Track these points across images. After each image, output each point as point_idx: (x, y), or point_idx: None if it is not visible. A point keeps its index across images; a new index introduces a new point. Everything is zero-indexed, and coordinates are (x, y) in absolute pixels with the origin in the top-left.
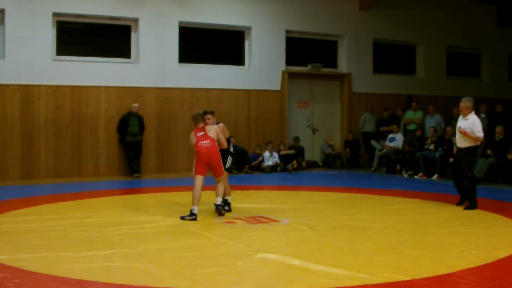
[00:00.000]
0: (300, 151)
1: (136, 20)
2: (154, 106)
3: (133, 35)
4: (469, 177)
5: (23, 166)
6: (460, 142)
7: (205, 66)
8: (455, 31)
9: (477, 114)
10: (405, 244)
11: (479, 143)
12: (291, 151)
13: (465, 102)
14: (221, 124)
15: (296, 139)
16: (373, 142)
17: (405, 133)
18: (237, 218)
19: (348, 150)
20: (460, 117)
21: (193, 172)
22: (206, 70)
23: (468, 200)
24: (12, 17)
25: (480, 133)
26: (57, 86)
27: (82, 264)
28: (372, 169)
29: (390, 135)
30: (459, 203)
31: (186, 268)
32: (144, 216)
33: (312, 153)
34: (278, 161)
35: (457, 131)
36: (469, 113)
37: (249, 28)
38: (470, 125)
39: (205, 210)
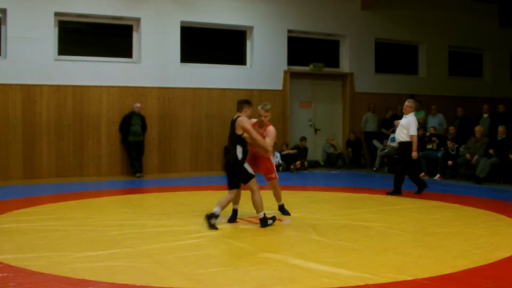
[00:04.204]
0: (304, 151)
1: (138, 20)
2: (156, 105)
3: (135, 34)
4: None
5: (25, 166)
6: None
7: (207, 65)
8: (457, 30)
9: (480, 114)
10: (407, 244)
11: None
12: (293, 151)
13: (409, 102)
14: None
15: (303, 139)
16: (375, 142)
17: None
18: (239, 218)
19: (350, 150)
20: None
21: (274, 176)
22: (208, 69)
23: (394, 187)
24: (14, 16)
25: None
26: (59, 86)
27: (84, 264)
28: (374, 169)
29: (392, 135)
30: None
31: (188, 267)
32: (146, 215)
33: (314, 152)
34: (280, 161)
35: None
36: (410, 112)
37: (251, 28)
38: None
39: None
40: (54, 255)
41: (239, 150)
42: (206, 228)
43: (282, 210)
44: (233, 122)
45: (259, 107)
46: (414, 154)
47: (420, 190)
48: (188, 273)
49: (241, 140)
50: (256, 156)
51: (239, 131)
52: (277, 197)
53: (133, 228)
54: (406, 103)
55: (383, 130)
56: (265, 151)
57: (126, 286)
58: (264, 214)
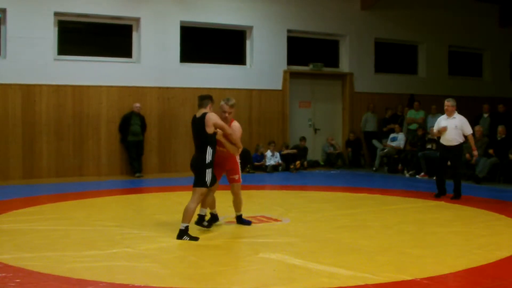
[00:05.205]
0: (304, 151)
1: (137, 20)
2: (156, 105)
3: (134, 34)
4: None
5: (25, 166)
6: (449, 140)
7: (207, 65)
8: (457, 30)
9: (480, 113)
10: (406, 244)
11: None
12: (293, 151)
13: (450, 101)
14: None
15: (303, 139)
16: (374, 142)
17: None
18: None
19: (349, 149)
20: (444, 116)
21: (238, 178)
22: (207, 69)
23: (455, 192)
24: (13, 16)
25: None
26: (58, 86)
27: (84, 264)
28: (374, 168)
29: (392, 135)
30: (437, 196)
31: (187, 267)
32: (146, 215)
33: (314, 152)
34: (280, 161)
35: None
36: (454, 111)
37: (251, 28)
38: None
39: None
40: (54, 255)
41: (209, 152)
42: (205, 228)
43: (241, 220)
44: (200, 120)
45: (222, 102)
46: (475, 153)
47: (456, 198)
48: (188, 273)
49: (211, 141)
50: (222, 156)
51: (210, 129)
52: (236, 206)
53: (133, 228)
54: (447, 103)
55: (385, 129)
56: (235, 149)
57: (125, 286)
58: (186, 228)
